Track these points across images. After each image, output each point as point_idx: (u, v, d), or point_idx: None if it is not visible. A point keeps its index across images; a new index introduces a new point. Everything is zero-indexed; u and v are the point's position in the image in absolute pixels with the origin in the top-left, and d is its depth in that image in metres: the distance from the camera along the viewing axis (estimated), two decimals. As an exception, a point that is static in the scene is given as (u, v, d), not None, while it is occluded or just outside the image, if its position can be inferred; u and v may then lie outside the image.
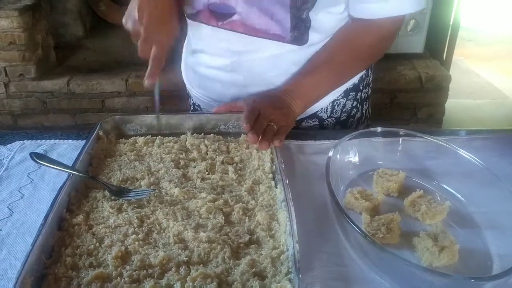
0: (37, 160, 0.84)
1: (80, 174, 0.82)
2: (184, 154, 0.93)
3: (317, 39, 1.06)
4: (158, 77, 0.99)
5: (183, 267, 0.65)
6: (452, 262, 0.69)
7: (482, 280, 0.61)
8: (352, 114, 1.22)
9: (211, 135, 1.00)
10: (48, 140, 1.04)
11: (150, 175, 0.86)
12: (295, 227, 0.68)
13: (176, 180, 0.85)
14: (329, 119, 1.19)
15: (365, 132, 0.91)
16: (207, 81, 1.20)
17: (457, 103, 3.52)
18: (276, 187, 0.83)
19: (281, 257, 0.67)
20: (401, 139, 0.92)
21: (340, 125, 1.21)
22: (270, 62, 1.09)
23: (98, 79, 2.80)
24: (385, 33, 1.07)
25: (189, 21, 1.15)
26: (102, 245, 0.70)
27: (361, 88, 1.21)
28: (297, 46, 1.05)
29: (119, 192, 0.81)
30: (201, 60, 1.19)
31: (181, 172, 0.87)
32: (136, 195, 0.80)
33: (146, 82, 0.98)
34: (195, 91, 1.27)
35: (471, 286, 0.62)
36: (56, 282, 0.63)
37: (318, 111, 1.17)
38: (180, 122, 1.03)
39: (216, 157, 0.92)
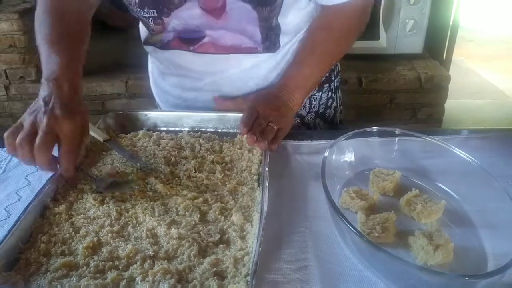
0: None
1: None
2: (177, 151, 0.95)
3: (287, 40, 1.09)
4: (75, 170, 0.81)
5: (148, 261, 0.66)
6: (447, 261, 0.69)
7: (476, 278, 0.61)
8: (328, 105, 1.26)
9: (208, 134, 1.01)
10: None
11: (138, 170, 0.88)
12: (261, 229, 0.68)
13: (163, 177, 0.86)
14: (309, 114, 1.22)
15: (361, 132, 0.91)
16: (187, 103, 1.19)
17: (458, 103, 3.52)
18: (258, 189, 0.83)
19: (244, 259, 0.67)
20: (397, 138, 0.92)
21: (320, 118, 1.24)
22: (248, 73, 1.10)
23: (98, 81, 2.80)
24: (357, 13, 1.07)
25: (156, 50, 1.14)
26: (77, 235, 0.72)
27: (332, 78, 1.25)
28: (269, 55, 1.07)
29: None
30: (178, 83, 1.18)
31: (169, 169, 0.88)
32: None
33: (60, 183, 0.83)
34: None
35: (465, 284, 0.62)
36: (26, 266, 0.66)
37: (300, 111, 1.19)
38: (180, 121, 1.05)
39: (207, 156, 0.93)
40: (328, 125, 1.28)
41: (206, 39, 1.04)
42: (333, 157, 0.86)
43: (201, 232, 0.73)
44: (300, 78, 1.06)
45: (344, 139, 0.88)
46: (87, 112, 0.83)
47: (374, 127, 0.91)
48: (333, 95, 1.26)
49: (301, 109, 1.19)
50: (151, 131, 1.03)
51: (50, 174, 0.82)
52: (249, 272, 0.63)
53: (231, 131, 1.04)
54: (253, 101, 1.00)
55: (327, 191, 0.75)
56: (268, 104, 0.99)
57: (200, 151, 0.95)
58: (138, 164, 0.89)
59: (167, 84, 1.21)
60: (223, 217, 0.77)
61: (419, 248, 0.70)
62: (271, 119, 0.94)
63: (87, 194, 0.81)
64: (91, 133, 0.94)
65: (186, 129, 1.04)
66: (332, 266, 0.70)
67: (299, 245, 0.74)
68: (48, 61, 0.86)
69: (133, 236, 0.72)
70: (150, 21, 1.03)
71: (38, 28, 0.94)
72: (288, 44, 1.10)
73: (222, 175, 0.87)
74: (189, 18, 1.00)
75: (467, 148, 0.87)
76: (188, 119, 1.05)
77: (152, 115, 1.06)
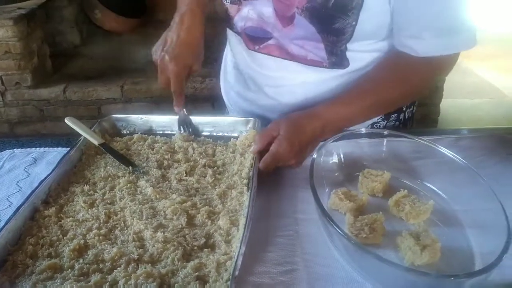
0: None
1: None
2: (169, 155, 0.95)
3: (358, 66, 1.01)
4: (183, 105, 1.03)
5: (132, 264, 0.67)
6: (434, 261, 0.69)
7: (462, 278, 0.61)
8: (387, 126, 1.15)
9: (202, 137, 1.02)
10: (38, 148, 1.04)
11: (131, 173, 0.89)
12: (247, 233, 0.68)
13: (154, 180, 0.86)
14: None
15: (349, 134, 0.91)
16: (245, 104, 1.19)
17: (454, 102, 3.53)
18: (247, 192, 0.82)
19: (227, 263, 0.67)
20: (385, 139, 0.92)
21: None
22: (309, 89, 1.06)
23: (94, 86, 2.81)
24: (438, 70, 0.98)
25: (232, 37, 1.15)
26: (65, 238, 0.72)
27: (404, 109, 1.15)
28: (337, 73, 1.02)
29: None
30: (240, 79, 1.18)
31: (160, 173, 0.89)
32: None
33: (176, 109, 1.03)
34: (235, 111, 1.26)
35: (451, 284, 0.62)
36: (13, 268, 0.67)
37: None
38: (175, 124, 1.05)
39: (199, 160, 0.93)
40: None
41: (272, 41, 1.03)
42: (322, 159, 0.86)
43: (187, 236, 0.73)
44: (343, 117, 0.94)
45: (332, 141, 0.88)
46: (194, 51, 1.00)
47: (362, 129, 0.91)
48: (400, 125, 1.16)
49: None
50: (146, 135, 1.03)
51: (42, 177, 0.84)
52: (230, 277, 0.63)
53: (226, 134, 1.04)
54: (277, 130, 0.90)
55: (315, 193, 0.75)
56: (290, 148, 0.88)
57: (193, 154, 0.95)
58: (130, 167, 0.90)
59: (234, 78, 1.21)
60: (210, 221, 0.77)
61: (406, 249, 0.71)
62: (286, 162, 0.89)
63: (78, 196, 0.82)
64: (86, 136, 0.97)
65: (179, 133, 1.03)
66: (320, 268, 0.70)
67: (287, 248, 0.74)
68: None
69: (119, 239, 0.73)
70: (227, 0, 1.04)
71: None
72: (358, 71, 1.01)
73: (213, 178, 0.87)
74: (261, 13, 1.00)
75: (458, 148, 0.87)
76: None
77: (148, 119, 1.06)
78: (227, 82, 1.26)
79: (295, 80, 1.06)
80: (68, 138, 1.09)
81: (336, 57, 0.99)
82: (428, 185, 0.87)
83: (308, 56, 1.01)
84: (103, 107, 2.85)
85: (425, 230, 0.72)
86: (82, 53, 3.31)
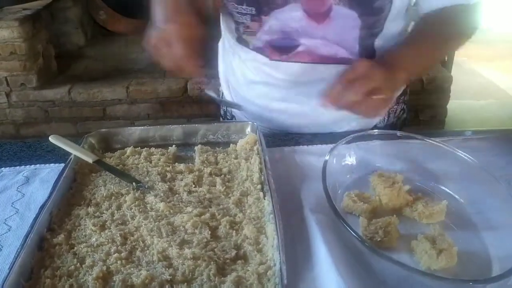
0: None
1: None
2: (171, 166, 0.91)
3: (381, 47, 1.02)
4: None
5: (167, 286, 0.63)
6: (450, 265, 0.68)
7: (480, 283, 0.60)
8: (399, 116, 1.20)
9: (199, 146, 0.98)
10: (28, 166, 0.97)
11: (135, 189, 0.84)
12: (282, 241, 0.66)
13: (162, 194, 0.82)
14: (385, 128, 1.16)
15: (361, 135, 0.90)
16: (269, 113, 1.13)
17: (461, 104, 3.51)
18: (265, 199, 0.80)
19: (268, 273, 0.64)
20: (398, 141, 0.91)
21: (391, 129, 1.16)
22: None
23: (99, 87, 2.81)
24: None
25: (243, 53, 1.09)
26: (83, 266, 0.67)
27: (407, 90, 1.19)
28: None
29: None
30: (263, 92, 1.12)
31: (167, 186, 0.85)
32: None
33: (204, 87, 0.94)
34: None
35: (470, 289, 0.61)
36: None
37: (377, 123, 1.13)
38: (168, 134, 1.01)
39: (203, 169, 0.89)
40: None
41: (300, 48, 0.99)
42: (334, 161, 0.85)
43: (215, 250, 0.69)
44: (411, 55, 0.94)
45: (344, 143, 0.87)
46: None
47: (374, 130, 0.90)
48: (404, 106, 1.20)
49: (380, 123, 1.15)
50: (139, 148, 0.98)
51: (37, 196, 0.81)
52: (276, 286, 0.61)
53: (222, 140, 1.01)
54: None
55: (328, 195, 0.74)
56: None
57: (196, 164, 0.92)
58: (133, 183, 0.85)
59: (254, 93, 1.14)
60: (234, 231, 0.74)
61: (422, 253, 0.69)
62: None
63: (85, 220, 0.76)
64: (78, 154, 0.90)
65: (175, 143, 1.00)
66: (333, 272, 0.69)
67: (297, 254, 0.71)
68: None
69: (144, 261, 0.68)
70: (247, 18, 0.98)
71: None
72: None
73: (224, 187, 0.84)
74: (289, 20, 0.95)
75: (467, 149, 0.86)
76: (178, 132, 1.01)
77: (136, 131, 1.01)
78: (247, 100, 1.18)
79: (322, 81, 0.99)
80: (72, 140, 1.06)
81: (367, 52, 0.99)
82: (442, 187, 0.85)
83: (339, 54, 0.99)
84: (108, 108, 2.85)
85: (441, 234, 0.71)
86: (87, 54, 3.31)
